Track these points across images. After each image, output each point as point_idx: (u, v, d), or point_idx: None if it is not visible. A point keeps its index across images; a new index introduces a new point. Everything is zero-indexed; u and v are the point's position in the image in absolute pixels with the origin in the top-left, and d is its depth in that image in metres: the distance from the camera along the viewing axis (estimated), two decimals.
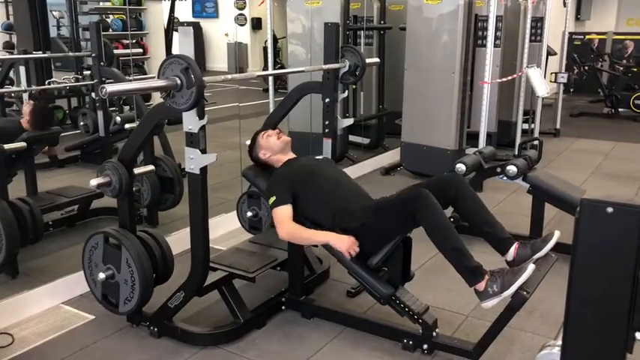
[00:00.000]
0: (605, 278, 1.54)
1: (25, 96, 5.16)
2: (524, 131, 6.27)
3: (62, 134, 4.42)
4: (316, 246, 3.10)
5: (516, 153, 3.95)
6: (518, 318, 2.40)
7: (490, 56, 4.89)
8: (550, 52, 7.32)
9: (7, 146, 3.35)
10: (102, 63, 4.35)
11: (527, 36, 5.89)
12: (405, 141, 5.46)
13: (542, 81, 5.78)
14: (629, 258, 1.50)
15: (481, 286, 2.30)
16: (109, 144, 4.60)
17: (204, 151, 2.35)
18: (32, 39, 6.00)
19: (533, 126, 6.40)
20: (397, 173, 5.53)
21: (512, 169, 3.45)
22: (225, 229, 3.86)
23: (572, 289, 1.59)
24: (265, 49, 9.58)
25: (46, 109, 4.23)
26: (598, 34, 10.54)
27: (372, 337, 2.67)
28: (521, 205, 4.13)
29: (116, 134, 4.77)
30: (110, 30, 7.63)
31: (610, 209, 1.49)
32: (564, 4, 7.23)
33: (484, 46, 5.08)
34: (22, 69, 5.13)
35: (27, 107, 3.89)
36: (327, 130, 3.36)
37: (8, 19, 7.37)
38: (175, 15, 8.43)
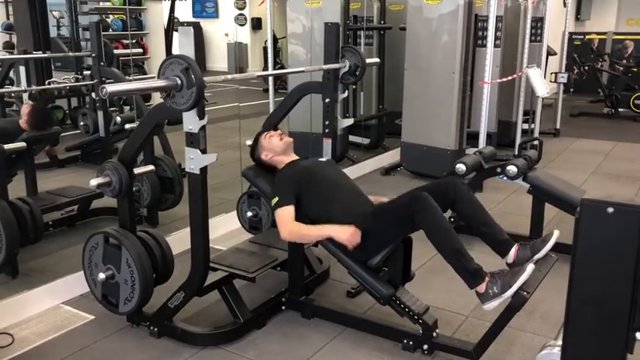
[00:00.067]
0: (605, 278, 1.54)
1: (25, 96, 5.16)
2: (524, 131, 6.27)
3: (62, 134, 4.41)
4: (316, 245, 3.10)
5: (516, 153, 3.94)
6: (518, 318, 2.40)
7: (490, 56, 4.89)
8: (550, 52, 7.32)
9: (7, 146, 3.35)
10: (102, 63, 4.36)
11: (527, 36, 5.89)
12: (405, 141, 5.46)
13: (542, 81, 5.78)
14: (630, 258, 1.50)
15: (482, 288, 2.30)
16: (109, 144, 4.61)
17: (204, 151, 2.35)
18: (32, 39, 6.00)
19: (533, 126, 6.41)
20: (397, 173, 5.53)
21: (512, 169, 3.45)
22: (226, 229, 3.86)
23: (573, 289, 1.59)
24: (265, 49, 9.58)
25: (44, 110, 4.23)
26: (598, 34, 10.54)
27: (372, 337, 2.67)
28: (521, 205, 4.13)
29: (116, 134, 4.77)
30: (110, 30, 7.63)
31: (610, 209, 1.49)
32: (564, 4, 7.23)
33: (484, 46, 5.09)
34: (22, 69, 5.14)
35: (25, 108, 3.88)
36: (327, 130, 3.36)
37: (8, 19, 7.37)
38: (175, 15, 8.43)
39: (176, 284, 2.64)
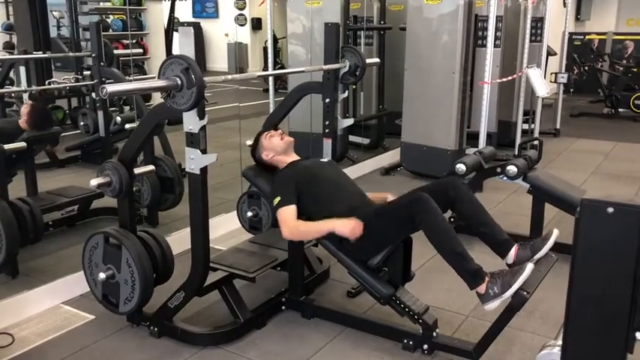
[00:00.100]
0: (605, 278, 1.54)
1: (25, 96, 5.16)
2: (524, 131, 6.27)
3: (62, 134, 4.41)
4: (316, 245, 3.10)
5: (516, 153, 3.94)
6: (518, 318, 2.40)
7: (490, 56, 4.89)
8: (550, 53, 7.32)
9: (7, 146, 3.35)
10: (102, 63, 4.35)
11: (528, 36, 5.89)
12: (405, 141, 5.46)
13: (542, 81, 5.78)
14: (630, 258, 1.50)
15: (482, 288, 2.30)
16: (110, 144, 4.61)
17: (204, 152, 2.35)
18: (32, 39, 6.01)
19: (533, 126, 6.41)
20: (397, 173, 5.53)
21: (512, 169, 3.45)
22: (226, 229, 3.86)
23: (573, 289, 1.59)
24: (265, 49, 9.58)
25: (43, 110, 4.23)
26: (598, 34, 10.54)
27: (372, 337, 2.67)
28: (521, 205, 4.13)
29: (116, 134, 4.77)
30: (110, 30, 7.63)
31: (610, 209, 1.49)
32: (564, 4, 7.23)
33: (484, 46, 5.08)
34: (22, 69, 5.14)
35: (25, 108, 3.88)
36: (327, 131, 3.37)
37: (8, 19, 7.37)
38: (175, 15, 8.43)
39: (176, 284, 2.64)
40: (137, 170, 2.87)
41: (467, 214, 2.57)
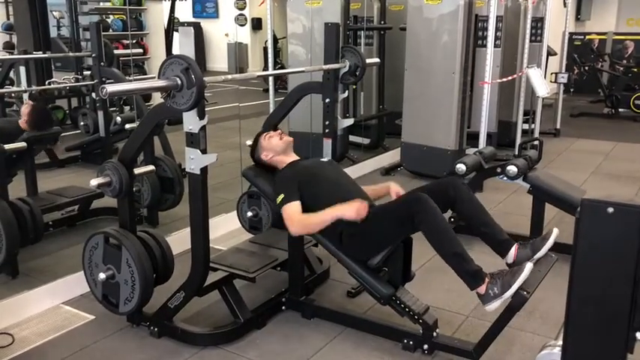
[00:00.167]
0: (605, 278, 1.54)
1: (25, 96, 5.16)
2: (524, 131, 6.27)
3: (62, 134, 4.42)
4: (316, 245, 3.10)
5: (516, 153, 3.95)
6: (518, 318, 2.40)
7: (490, 56, 4.89)
8: (550, 53, 7.32)
9: (7, 146, 3.35)
10: (102, 63, 4.36)
11: (528, 36, 5.89)
12: (405, 141, 5.46)
13: (542, 81, 5.78)
14: (630, 258, 1.50)
15: (482, 289, 2.30)
16: (110, 144, 4.61)
17: (204, 152, 2.35)
18: (32, 39, 6.01)
19: (533, 126, 6.41)
20: (397, 173, 5.53)
21: (512, 169, 3.45)
22: (226, 229, 3.86)
23: (573, 289, 1.59)
24: (265, 49, 9.58)
25: (43, 110, 4.23)
26: (598, 34, 10.54)
27: (372, 337, 2.67)
28: (521, 206, 4.13)
29: (116, 134, 4.77)
30: (110, 30, 7.64)
31: (610, 209, 1.49)
32: (564, 4, 7.23)
33: (484, 46, 5.09)
34: (22, 69, 5.14)
35: (25, 108, 3.88)
36: (327, 131, 3.36)
37: (8, 19, 7.37)
38: (175, 15, 8.43)
39: (176, 284, 2.64)
40: (137, 170, 2.87)
41: (467, 214, 2.58)
